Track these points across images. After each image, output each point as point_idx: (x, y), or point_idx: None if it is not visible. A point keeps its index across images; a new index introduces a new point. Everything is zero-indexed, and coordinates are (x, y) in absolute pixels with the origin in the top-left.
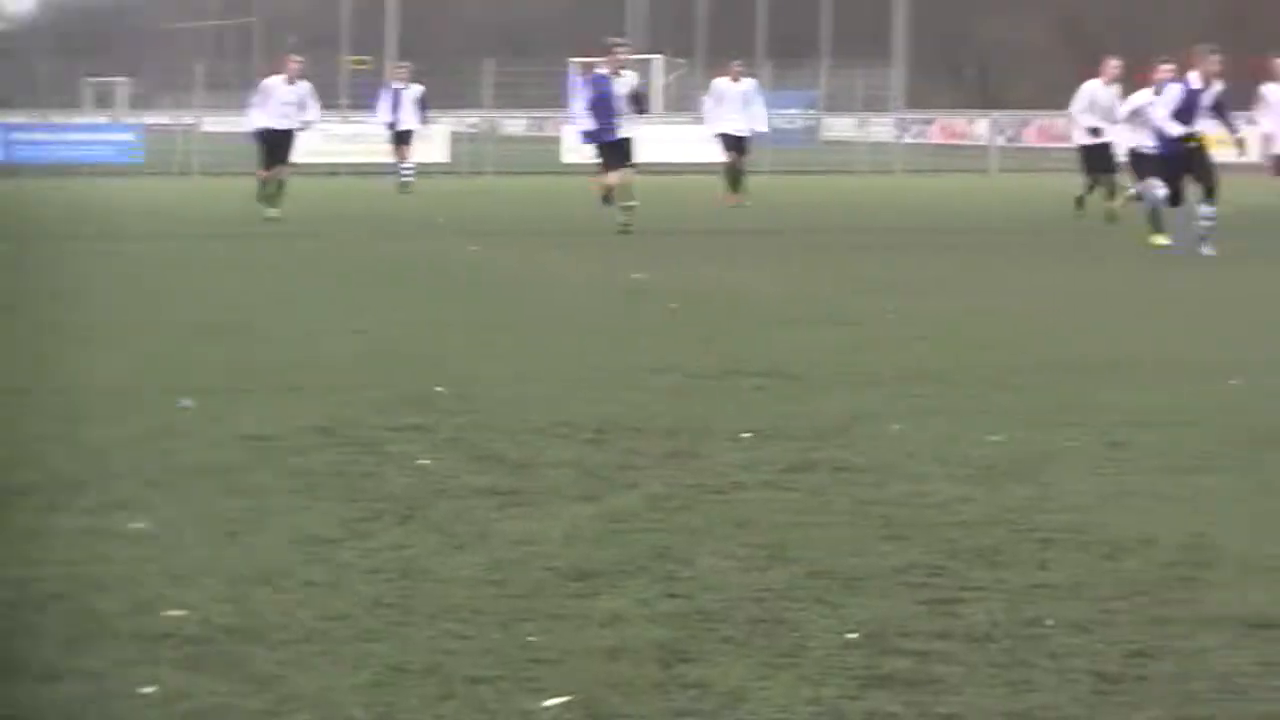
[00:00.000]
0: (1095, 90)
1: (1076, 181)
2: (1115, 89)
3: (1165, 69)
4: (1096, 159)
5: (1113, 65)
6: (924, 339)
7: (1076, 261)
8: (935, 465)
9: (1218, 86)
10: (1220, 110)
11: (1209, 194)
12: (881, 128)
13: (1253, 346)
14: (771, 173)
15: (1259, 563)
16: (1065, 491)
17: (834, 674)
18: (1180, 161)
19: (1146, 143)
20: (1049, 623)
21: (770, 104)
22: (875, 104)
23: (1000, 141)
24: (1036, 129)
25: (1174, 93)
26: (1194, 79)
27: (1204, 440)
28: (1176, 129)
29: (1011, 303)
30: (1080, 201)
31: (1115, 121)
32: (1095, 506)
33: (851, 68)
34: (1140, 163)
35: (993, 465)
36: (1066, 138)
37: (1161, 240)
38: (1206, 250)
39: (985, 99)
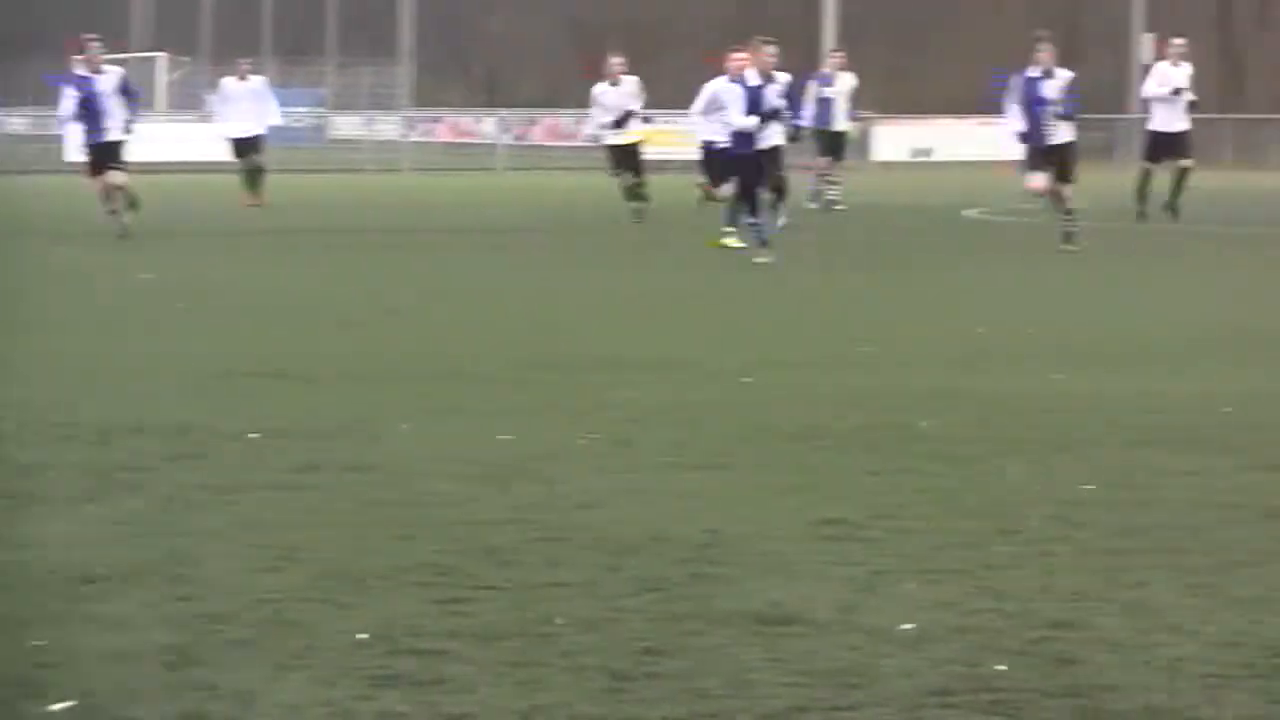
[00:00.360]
0: (604, 90)
1: (605, 180)
2: (624, 87)
3: (737, 59)
4: (622, 156)
5: (615, 64)
6: (433, 338)
7: (596, 261)
8: (444, 464)
9: (781, 80)
10: (790, 102)
11: (778, 196)
12: (389, 126)
13: (772, 346)
14: (279, 172)
15: (768, 560)
16: (574, 489)
17: (345, 674)
18: (749, 161)
19: (719, 138)
20: (560, 621)
21: (278, 102)
22: (383, 102)
23: (507, 140)
24: (543, 128)
25: (737, 91)
26: (751, 75)
27: (713, 437)
28: (747, 125)
29: (522, 301)
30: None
31: (616, 120)
32: (605, 504)
33: (359, 65)
34: (711, 160)
35: (502, 464)
36: (573, 136)
37: (732, 242)
38: (762, 259)
39: (492, 98)
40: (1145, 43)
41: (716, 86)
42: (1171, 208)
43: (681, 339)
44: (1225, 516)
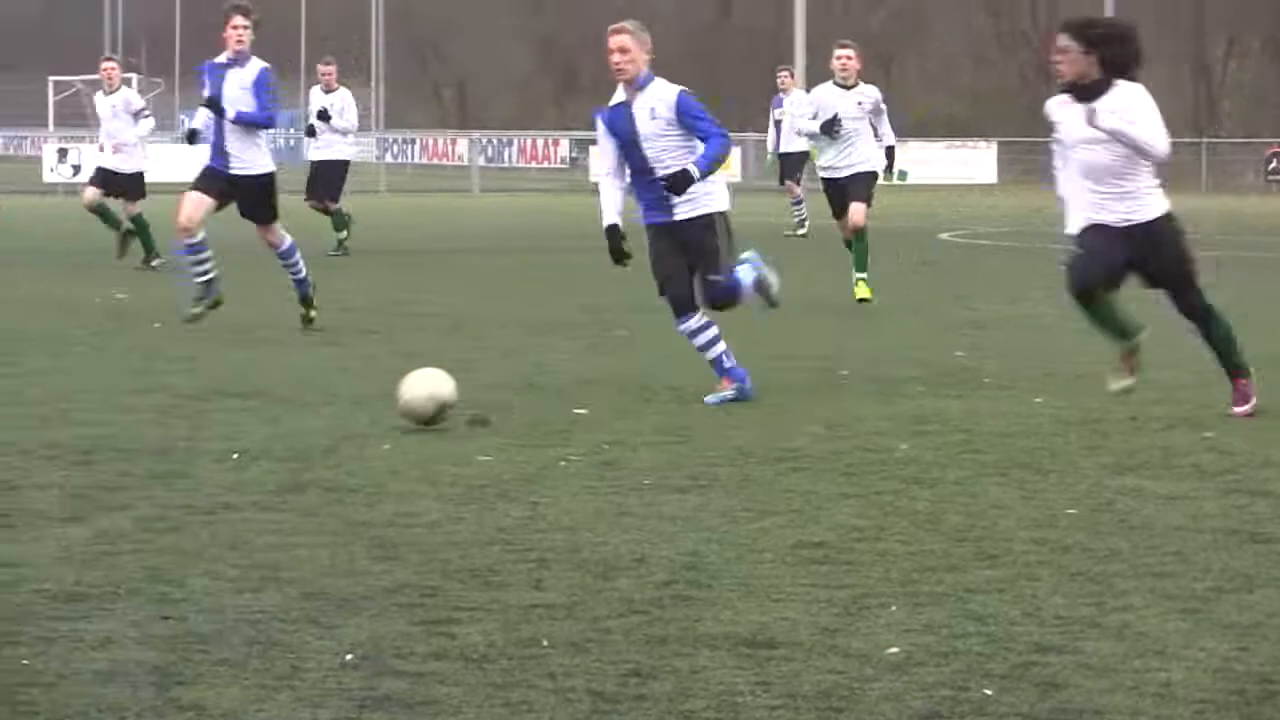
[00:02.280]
0: None
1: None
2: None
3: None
4: None
5: None
6: (409, 358)
7: (572, 281)
8: (426, 485)
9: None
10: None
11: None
12: (363, 148)
13: (751, 370)
14: None
15: (752, 582)
16: (558, 511)
17: (331, 695)
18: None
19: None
20: (545, 643)
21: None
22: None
23: (481, 161)
24: (518, 149)
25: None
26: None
27: (695, 460)
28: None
29: (497, 322)
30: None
31: None
32: (589, 525)
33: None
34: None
35: (484, 484)
36: (547, 158)
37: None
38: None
39: (464, 119)
40: None
41: None
42: None
43: (660, 362)
44: (1211, 541)
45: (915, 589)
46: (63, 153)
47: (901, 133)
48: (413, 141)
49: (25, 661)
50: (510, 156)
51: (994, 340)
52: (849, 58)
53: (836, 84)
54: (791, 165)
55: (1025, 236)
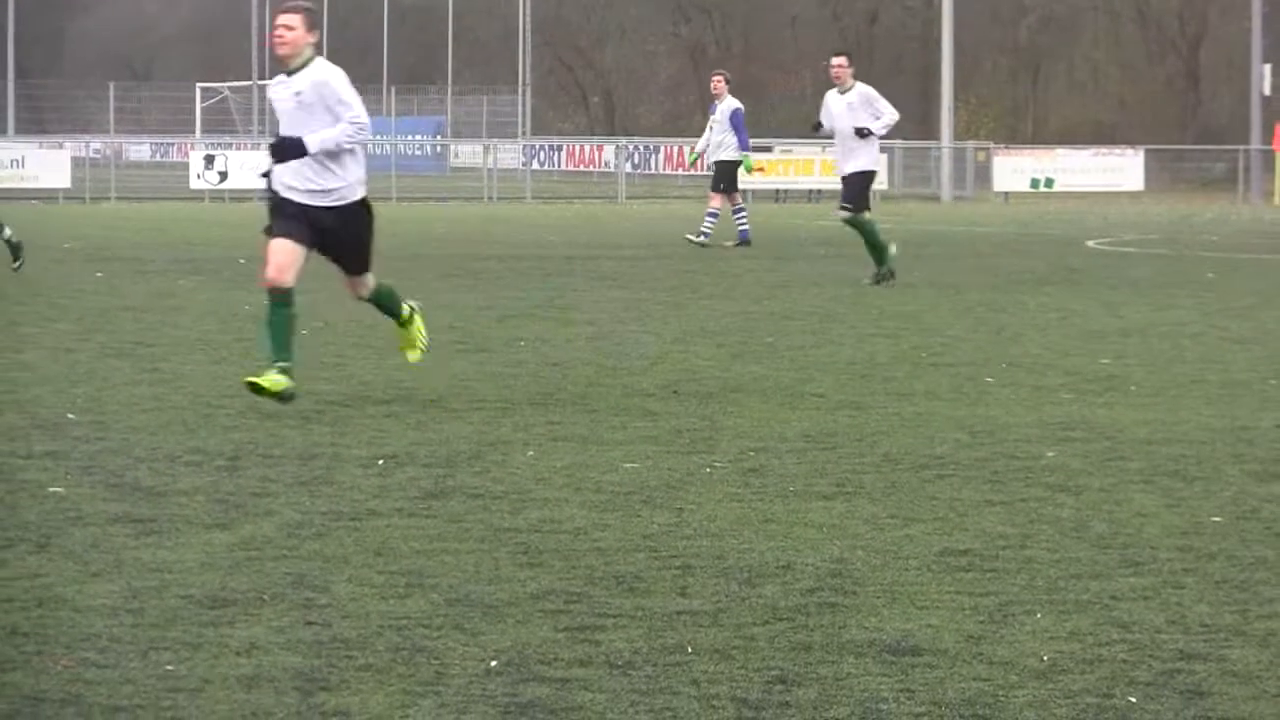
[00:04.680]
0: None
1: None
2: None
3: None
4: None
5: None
6: (555, 365)
7: (716, 288)
8: (570, 491)
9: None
10: None
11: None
12: (509, 154)
13: (896, 376)
14: (399, 200)
15: (897, 589)
16: (703, 517)
17: (475, 702)
18: None
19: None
20: (690, 649)
21: (396, 130)
22: (501, 130)
23: (627, 168)
24: (665, 155)
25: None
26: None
27: (840, 466)
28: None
29: (640, 329)
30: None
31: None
32: (734, 532)
33: (478, 94)
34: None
35: (629, 491)
36: (694, 164)
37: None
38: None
39: (612, 126)
40: (1265, 74)
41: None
42: None
43: (805, 368)
44: None
45: (1060, 596)
46: (209, 159)
47: (1046, 140)
48: (559, 148)
49: (170, 667)
50: (656, 163)
51: (1141, 348)
52: (840, 66)
53: (836, 91)
54: (723, 174)
55: (1173, 244)
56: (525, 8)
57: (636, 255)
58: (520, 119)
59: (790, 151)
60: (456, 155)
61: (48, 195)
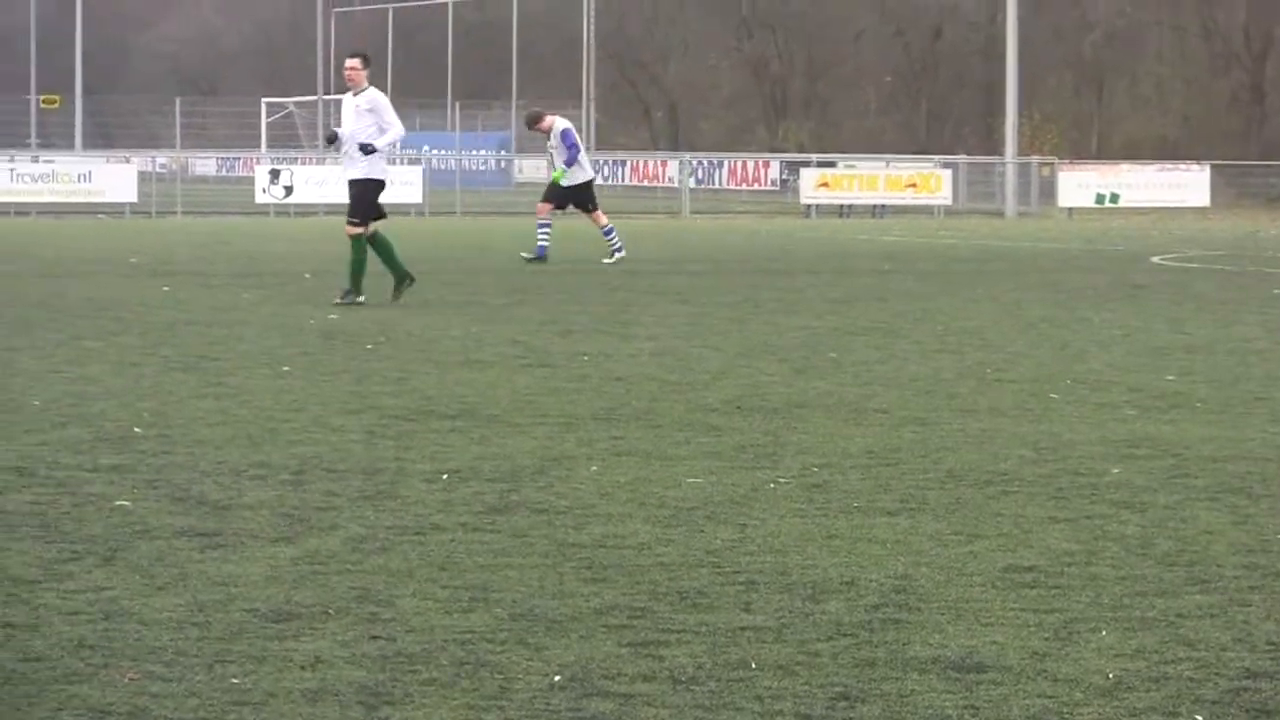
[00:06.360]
0: None
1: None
2: None
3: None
4: None
5: None
6: (619, 380)
7: (778, 303)
8: (634, 506)
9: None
10: None
11: None
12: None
13: (961, 392)
14: (464, 214)
15: (962, 606)
16: (766, 533)
17: (539, 717)
18: None
19: None
20: (753, 665)
21: (461, 145)
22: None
23: (691, 183)
24: (729, 170)
25: None
26: None
27: (904, 482)
28: None
29: (703, 344)
30: None
31: None
32: (798, 548)
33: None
34: None
35: (692, 507)
36: (757, 180)
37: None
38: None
39: (675, 141)
40: None
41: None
42: None
43: (869, 383)
44: None
45: (1126, 614)
46: (275, 174)
47: (1111, 155)
48: (623, 163)
49: (235, 680)
50: (720, 178)
51: (1206, 364)
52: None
53: None
54: (573, 193)
55: (1239, 260)
56: (589, 23)
57: (700, 270)
58: (584, 133)
59: (854, 167)
60: (520, 170)
61: (114, 209)
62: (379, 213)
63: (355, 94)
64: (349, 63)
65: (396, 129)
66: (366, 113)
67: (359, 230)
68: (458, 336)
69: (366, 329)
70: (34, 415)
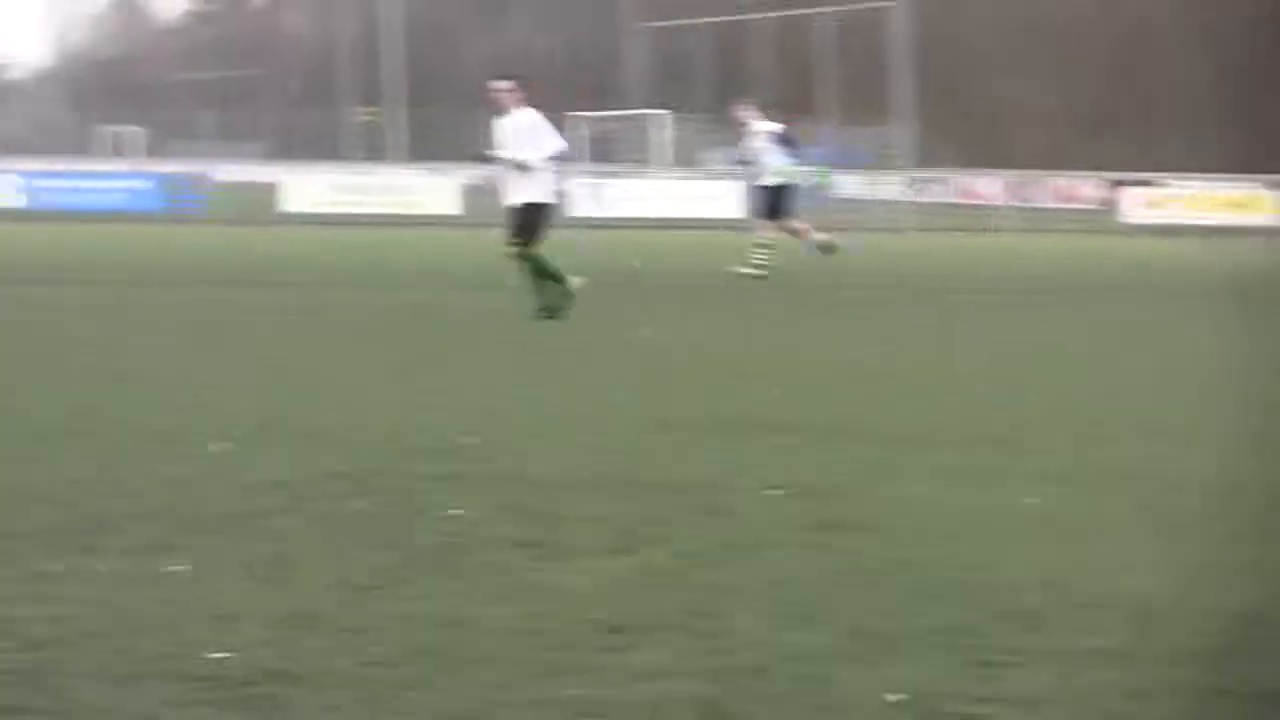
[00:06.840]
0: None
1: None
2: None
3: None
4: None
5: None
6: (940, 394)
7: (1107, 324)
8: (967, 525)
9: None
10: None
11: None
12: (890, 186)
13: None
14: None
15: None
16: (1106, 555)
17: None
18: None
19: None
20: (1100, 690)
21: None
22: (883, 162)
23: (1014, 201)
24: (1050, 189)
25: None
26: None
27: (1248, 509)
28: None
29: (1034, 359)
30: None
31: None
32: (1138, 571)
33: (857, 125)
34: None
35: (1028, 528)
36: (1077, 198)
37: None
38: None
39: (994, 158)
40: None
41: None
42: None
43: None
44: None
45: None
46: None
47: None
48: (943, 181)
49: (574, 691)
50: (1041, 196)
51: None
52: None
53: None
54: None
55: None
56: (902, 37)
57: (1013, 288)
58: (900, 149)
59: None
60: (840, 186)
61: (436, 221)
62: (542, 236)
63: (508, 115)
64: (496, 84)
65: (554, 144)
66: (522, 131)
67: (524, 249)
68: (776, 350)
69: (680, 345)
70: (371, 424)
